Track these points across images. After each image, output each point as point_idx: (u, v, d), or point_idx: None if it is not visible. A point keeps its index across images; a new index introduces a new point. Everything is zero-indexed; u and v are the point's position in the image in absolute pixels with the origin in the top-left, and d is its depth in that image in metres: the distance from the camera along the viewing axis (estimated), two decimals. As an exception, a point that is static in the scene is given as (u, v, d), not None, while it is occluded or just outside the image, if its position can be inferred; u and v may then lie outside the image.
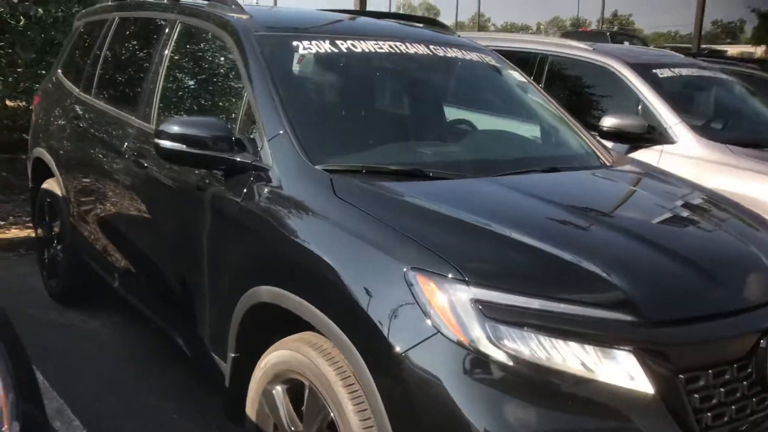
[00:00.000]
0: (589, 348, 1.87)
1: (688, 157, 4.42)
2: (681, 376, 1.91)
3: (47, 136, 4.40)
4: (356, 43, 3.05)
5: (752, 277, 2.22)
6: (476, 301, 1.89)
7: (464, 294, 1.90)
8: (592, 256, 2.05)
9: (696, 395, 1.93)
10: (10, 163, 6.47)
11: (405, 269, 1.98)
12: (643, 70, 4.84)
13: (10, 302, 4.35)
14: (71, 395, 3.39)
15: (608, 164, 3.12)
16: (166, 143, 2.60)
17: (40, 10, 5.64)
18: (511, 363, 1.84)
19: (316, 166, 2.46)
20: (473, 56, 3.44)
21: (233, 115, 2.84)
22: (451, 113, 3.34)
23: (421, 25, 3.79)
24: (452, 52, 3.33)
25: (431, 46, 3.27)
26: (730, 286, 2.13)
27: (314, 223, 2.30)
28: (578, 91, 5.39)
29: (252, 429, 2.52)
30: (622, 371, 1.87)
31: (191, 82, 3.33)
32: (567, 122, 3.40)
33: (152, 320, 3.41)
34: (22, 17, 5.85)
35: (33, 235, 5.04)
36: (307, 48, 2.94)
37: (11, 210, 6.11)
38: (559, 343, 1.86)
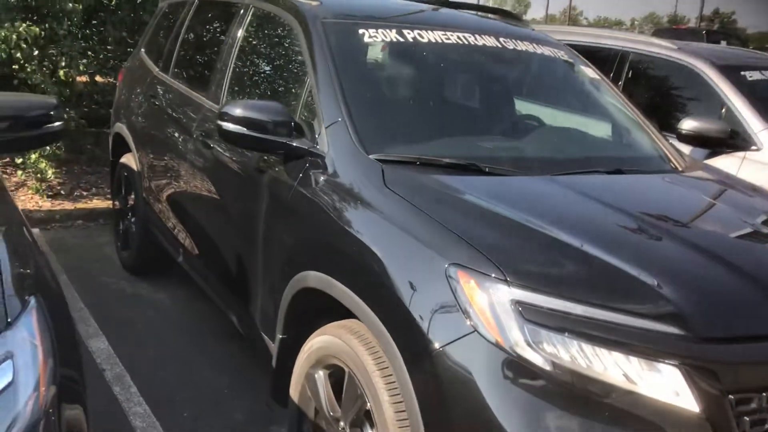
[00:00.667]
0: (633, 359, 1.80)
1: (772, 166, 4.19)
2: (731, 397, 1.81)
3: (127, 112, 4.57)
4: (423, 33, 3.02)
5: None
6: (516, 303, 1.85)
7: (504, 294, 1.86)
8: (643, 264, 1.97)
9: (747, 418, 1.83)
10: (97, 137, 6.77)
11: (446, 265, 1.95)
12: (730, 72, 4.60)
13: (85, 270, 4.65)
14: (132, 363, 3.54)
15: (679, 169, 2.99)
16: (229, 125, 2.65)
17: (129, -10, 5.86)
18: (548, 368, 1.80)
19: (370, 156, 2.45)
20: (545, 50, 3.35)
21: (296, 100, 2.87)
22: (518, 108, 3.27)
23: (494, 16, 3.72)
24: (523, 46, 3.26)
25: (501, 39, 3.21)
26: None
27: (363, 212, 2.30)
28: (660, 92, 5.18)
29: (294, 411, 2.56)
30: (667, 386, 1.79)
31: (261, 66, 3.38)
32: (639, 122, 3.28)
33: (210, 296, 3.50)
34: (113, -4, 6.10)
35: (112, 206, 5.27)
36: (372, 36, 2.93)
37: (95, 181, 6.39)
38: (602, 352, 1.80)
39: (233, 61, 3.38)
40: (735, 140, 4.35)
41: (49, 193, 5.90)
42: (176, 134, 3.70)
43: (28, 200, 5.79)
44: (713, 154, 4.40)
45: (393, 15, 3.20)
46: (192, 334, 3.92)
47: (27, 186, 5.95)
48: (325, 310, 2.44)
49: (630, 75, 5.22)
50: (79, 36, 6.46)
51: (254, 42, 3.43)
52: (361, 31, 2.95)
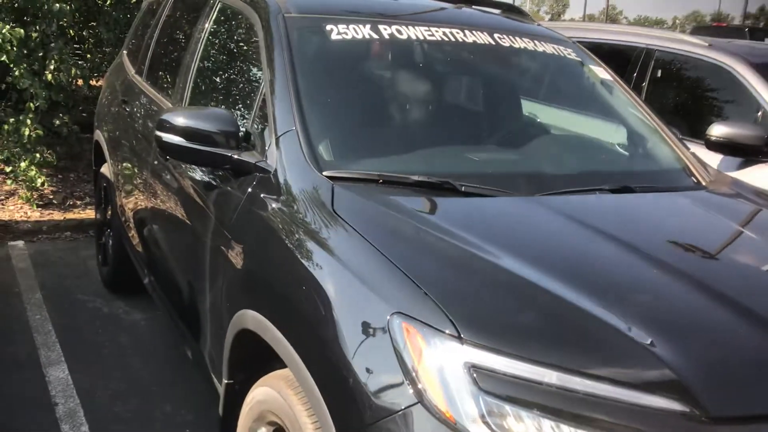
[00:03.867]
0: None
1: (816, 176, 3.70)
2: (751, 495, 1.39)
3: (104, 119, 4.27)
4: (402, 28, 2.63)
5: None
6: (472, 367, 1.44)
7: (457, 355, 1.46)
8: (638, 318, 1.55)
9: None
10: (95, 143, 6.50)
11: (389, 315, 1.56)
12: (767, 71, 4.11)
13: (64, 286, 4.35)
14: (90, 396, 3.22)
15: (703, 184, 2.54)
16: (169, 137, 2.30)
17: (121, -11, 5.56)
18: (511, 454, 1.39)
19: (324, 173, 2.07)
20: (547, 48, 2.92)
21: (252, 106, 2.50)
22: (511, 114, 2.84)
23: (492, 11, 3.29)
24: (521, 43, 2.84)
25: (496, 35, 2.79)
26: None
27: (304, 243, 1.91)
28: (689, 93, 4.70)
29: (239, 470, 2.19)
30: (667, 481, 1.37)
31: (223, 68, 3.02)
32: (655, 129, 2.83)
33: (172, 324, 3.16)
34: (107, -3, 5.82)
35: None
36: (342, 33, 2.54)
37: (90, 190, 6.12)
38: None
39: (197, 63, 3.03)
40: (772, 148, 3.86)
41: (40, 203, 5.65)
42: (140, 143, 3.36)
43: (16, 210, 5.54)
44: (747, 163, 3.91)
45: (368, 7, 2.80)
46: (161, 363, 3.58)
47: (18, 195, 5.70)
48: (272, 353, 2.06)
49: (655, 75, 4.74)
50: (76, 39, 6.21)
51: (218, 41, 3.08)
52: (328, 27, 2.56)
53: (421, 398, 1.46)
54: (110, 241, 4.21)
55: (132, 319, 4.04)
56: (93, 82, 6.38)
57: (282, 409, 1.88)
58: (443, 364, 1.46)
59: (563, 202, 2.11)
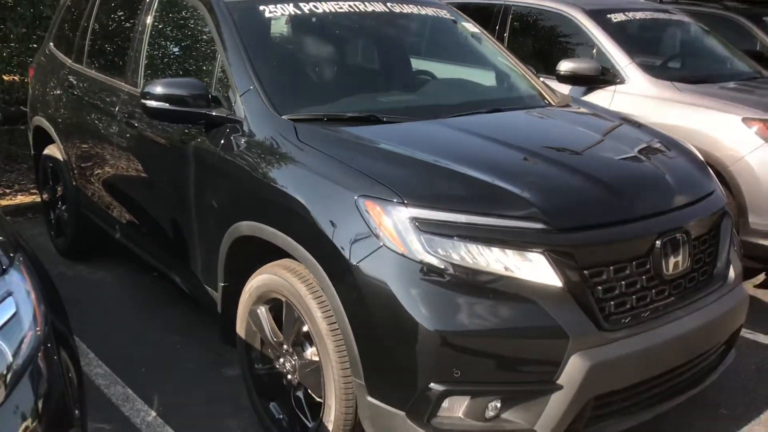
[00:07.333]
0: (508, 251, 2.28)
1: (637, 95, 4.78)
2: (585, 272, 2.32)
3: (45, 106, 4.75)
4: (318, 4, 3.40)
5: (651, 191, 2.62)
6: (413, 219, 2.29)
7: (403, 213, 2.30)
8: (510, 178, 2.45)
9: (599, 287, 2.35)
10: (11, 135, 6.83)
11: (355, 197, 2.37)
12: (597, 16, 5.16)
13: (23, 260, 4.83)
14: (85, 334, 3.80)
15: (552, 104, 3.50)
16: (152, 103, 2.97)
17: (27, -14, 5.92)
18: (443, 267, 2.25)
19: (283, 116, 2.83)
20: (428, 11, 3.78)
21: (210, 75, 3.20)
22: (409, 64, 3.70)
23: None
24: (408, 8, 3.68)
25: (388, 4, 3.62)
26: (630, 198, 2.53)
27: (282, 164, 2.69)
28: (542, 39, 5.71)
29: (242, 345, 2.95)
30: (536, 269, 2.28)
31: (172, 48, 3.68)
32: (516, 68, 3.76)
33: (152, 265, 3.82)
34: (11, -6, 6.13)
35: (38, 199, 5.43)
36: (272, 11, 3.28)
37: (16, 178, 6.49)
38: (483, 249, 2.27)
39: (146, 46, 3.66)
40: (606, 76, 4.91)
41: (-30, 195, 5.99)
42: (100, 120, 3.96)
43: (-51, 204, 5.87)
44: (589, 90, 4.96)
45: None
46: (138, 304, 4.22)
47: (-53, 190, 6.01)
48: (258, 255, 2.82)
49: (514, 26, 5.72)
50: (-22, 36, 6.48)
51: (164, 26, 3.72)
52: (261, 7, 3.29)
53: (384, 243, 2.30)
54: (65, 214, 4.74)
55: (98, 277, 4.62)
56: (4, 77, 6.67)
57: (281, 284, 2.65)
58: (395, 220, 2.30)
59: (454, 121, 2.98)
